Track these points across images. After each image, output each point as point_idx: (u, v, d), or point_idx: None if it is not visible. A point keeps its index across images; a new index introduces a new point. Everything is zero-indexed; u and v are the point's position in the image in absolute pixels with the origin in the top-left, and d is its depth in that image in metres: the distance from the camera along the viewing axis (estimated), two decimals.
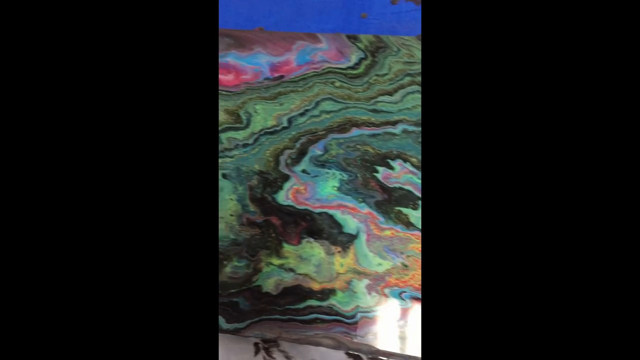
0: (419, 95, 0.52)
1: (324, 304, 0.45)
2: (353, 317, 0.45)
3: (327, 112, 0.53)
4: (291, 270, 0.47)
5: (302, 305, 0.46)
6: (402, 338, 0.43)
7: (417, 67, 0.52)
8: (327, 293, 0.46)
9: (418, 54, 0.53)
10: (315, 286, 0.46)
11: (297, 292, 0.46)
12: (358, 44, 0.55)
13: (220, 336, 0.46)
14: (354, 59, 0.55)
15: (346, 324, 0.45)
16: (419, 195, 0.48)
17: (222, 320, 0.46)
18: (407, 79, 0.52)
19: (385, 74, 0.53)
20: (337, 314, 0.45)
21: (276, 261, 0.47)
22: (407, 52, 0.53)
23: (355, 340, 0.44)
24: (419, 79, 0.52)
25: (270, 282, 0.47)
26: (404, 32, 0.58)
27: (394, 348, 0.43)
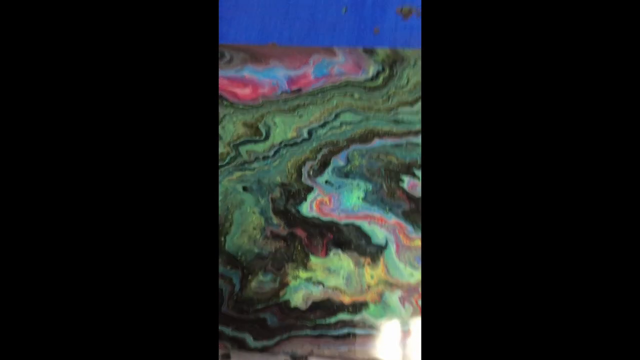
0: None
1: (356, 317, 0.44)
2: (387, 330, 0.43)
3: (348, 124, 0.53)
4: (320, 283, 0.45)
5: (333, 320, 0.44)
6: None
7: None
8: (358, 306, 0.44)
9: None
10: (346, 299, 0.45)
11: (328, 306, 0.44)
12: (375, 57, 0.56)
13: (249, 355, 0.44)
14: (371, 71, 0.55)
15: (380, 338, 0.43)
16: None
17: (249, 338, 0.44)
18: None
19: (404, 86, 0.54)
20: (371, 327, 0.44)
21: (303, 274, 0.46)
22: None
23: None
24: None
25: (299, 296, 0.45)
26: (418, 46, 0.59)
27: None
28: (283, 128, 0.53)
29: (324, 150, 0.52)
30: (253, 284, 0.46)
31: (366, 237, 0.47)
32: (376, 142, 0.52)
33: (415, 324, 0.43)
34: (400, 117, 0.52)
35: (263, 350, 0.43)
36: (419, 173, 0.49)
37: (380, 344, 0.43)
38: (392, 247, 0.46)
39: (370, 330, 0.43)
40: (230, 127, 0.54)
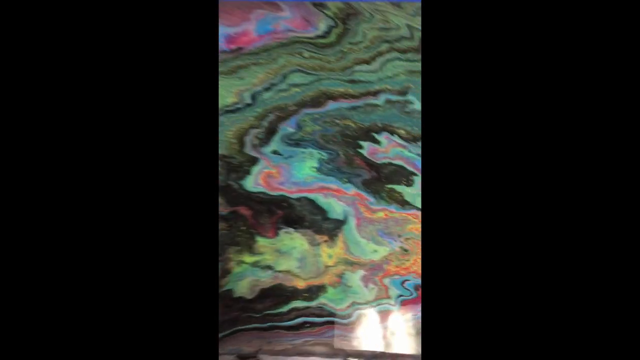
0: (400, 63, 0.46)
1: (313, 304, 0.38)
2: (349, 316, 0.37)
3: (297, 86, 0.46)
4: (269, 267, 0.39)
5: (285, 309, 0.37)
6: (410, 335, 0.37)
7: (395, 34, 0.47)
8: (315, 291, 0.38)
9: (394, 20, 0.48)
10: (300, 284, 0.38)
11: (278, 293, 0.38)
12: (326, 11, 0.49)
13: None
14: (322, 27, 0.49)
15: (342, 325, 0.37)
16: (412, 170, 0.42)
17: None
18: (385, 46, 0.47)
19: (360, 42, 0.48)
20: (330, 314, 0.38)
21: (249, 258, 0.39)
22: (381, 18, 0.48)
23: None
24: (398, 45, 0.47)
25: (244, 284, 0.38)
26: None
27: (400, 349, 0.37)
28: (221, 92, 0.46)
29: (271, 117, 0.45)
30: None
31: (322, 211, 0.41)
32: (330, 105, 0.45)
33: (382, 307, 0.38)
34: (357, 76, 0.46)
35: None
36: (379, 137, 0.43)
37: (345, 332, 0.37)
38: (352, 222, 0.40)
39: (330, 318, 0.37)
40: None
